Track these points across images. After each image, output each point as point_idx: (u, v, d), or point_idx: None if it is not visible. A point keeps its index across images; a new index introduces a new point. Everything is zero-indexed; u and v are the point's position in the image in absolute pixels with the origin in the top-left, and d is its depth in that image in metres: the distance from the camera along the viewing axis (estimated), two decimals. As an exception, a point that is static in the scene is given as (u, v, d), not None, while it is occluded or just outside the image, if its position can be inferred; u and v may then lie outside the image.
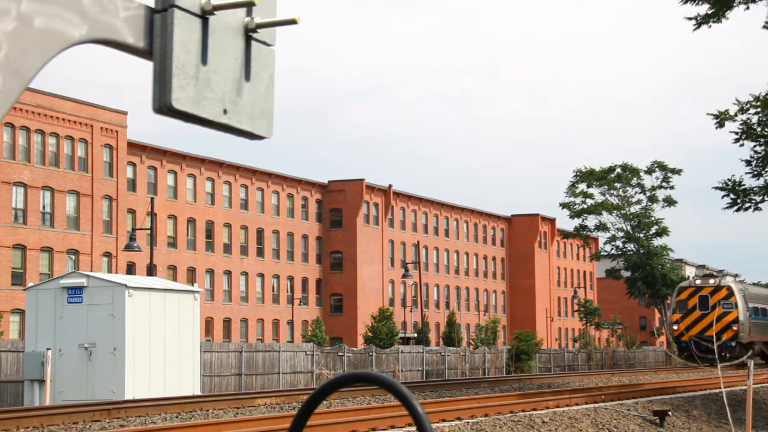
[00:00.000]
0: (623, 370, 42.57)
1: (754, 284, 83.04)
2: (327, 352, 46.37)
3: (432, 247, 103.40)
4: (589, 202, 74.79)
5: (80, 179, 68.35)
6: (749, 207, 29.46)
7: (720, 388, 20.40)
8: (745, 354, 50.89)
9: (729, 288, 51.30)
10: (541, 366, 63.57)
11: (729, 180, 29.64)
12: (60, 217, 67.16)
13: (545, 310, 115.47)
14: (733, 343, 50.81)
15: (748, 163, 29.43)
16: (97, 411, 19.73)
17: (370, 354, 48.95)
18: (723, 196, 29.66)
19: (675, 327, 51.65)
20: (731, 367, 49.33)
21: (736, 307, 50.81)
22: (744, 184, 29.50)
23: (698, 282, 52.56)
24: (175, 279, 70.21)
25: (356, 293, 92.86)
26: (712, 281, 51.98)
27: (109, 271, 67.40)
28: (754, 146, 29.07)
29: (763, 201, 29.40)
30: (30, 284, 32.82)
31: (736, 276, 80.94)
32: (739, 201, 29.44)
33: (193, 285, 58.33)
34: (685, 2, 28.03)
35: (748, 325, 51.49)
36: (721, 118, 29.04)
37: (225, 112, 3.13)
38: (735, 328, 50.61)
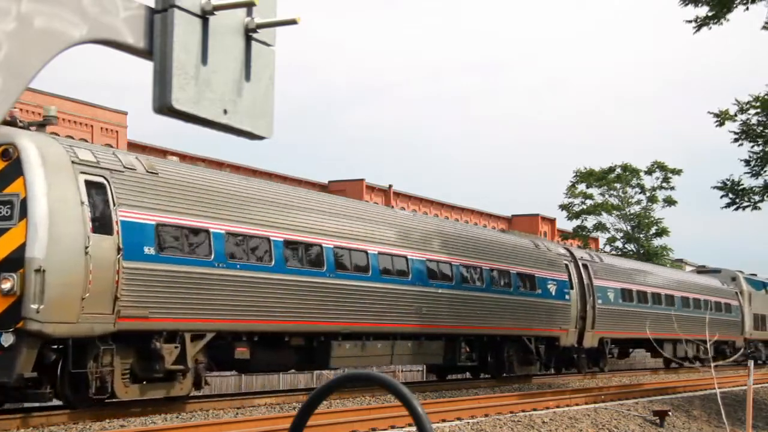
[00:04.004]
0: (623, 370, 42.49)
1: None
2: (327, 352, 46.33)
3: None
4: (589, 202, 74.69)
5: (80, 179, 68.33)
6: (748, 206, 29.48)
7: (720, 387, 20.45)
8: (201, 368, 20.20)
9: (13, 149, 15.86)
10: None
11: (727, 180, 29.68)
12: (60, 217, 67.14)
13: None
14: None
15: (747, 162, 29.46)
16: (98, 411, 19.69)
17: (370, 354, 48.90)
18: (722, 196, 29.70)
19: None
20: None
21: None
22: (742, 184, 29.54)
23: None
24: (175, 279, 70.07)
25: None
26: None
27: (109, 271, 67.30)
28: (752, 146, 29.10)
29: (762, 200, 29.41)
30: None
31: None
32: (737, 200, 29.47)
33: (193, 285, 58.22)
34: (687, 4, 27.99)
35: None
36: (722, 118, 29.06)
37: (225, 112, 3.14)
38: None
